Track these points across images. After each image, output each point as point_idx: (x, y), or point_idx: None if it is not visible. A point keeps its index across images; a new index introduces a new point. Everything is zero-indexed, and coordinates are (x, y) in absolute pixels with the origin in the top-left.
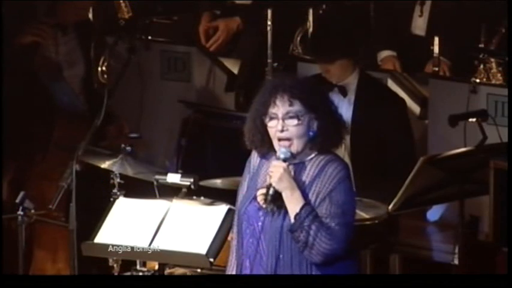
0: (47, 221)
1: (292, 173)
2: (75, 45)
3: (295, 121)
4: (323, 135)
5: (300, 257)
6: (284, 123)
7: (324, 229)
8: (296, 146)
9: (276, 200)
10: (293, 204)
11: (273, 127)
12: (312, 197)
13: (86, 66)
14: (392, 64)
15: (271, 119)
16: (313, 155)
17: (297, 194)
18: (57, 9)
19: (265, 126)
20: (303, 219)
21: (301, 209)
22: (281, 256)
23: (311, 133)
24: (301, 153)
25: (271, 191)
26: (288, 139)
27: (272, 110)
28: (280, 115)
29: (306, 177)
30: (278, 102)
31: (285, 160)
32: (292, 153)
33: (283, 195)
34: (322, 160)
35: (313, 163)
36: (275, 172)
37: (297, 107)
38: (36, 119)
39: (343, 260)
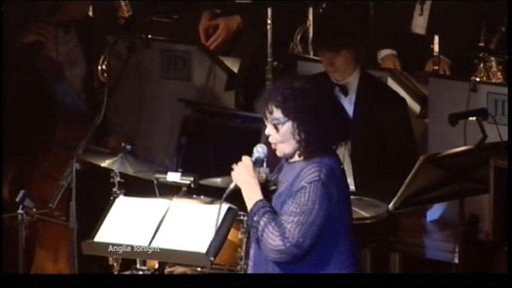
0: (48, 219)
1: (283, 171)
2: (76, 44)
3: (275, 129)
4: (305, 142)
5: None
6: (269, 128)
7: (272, 225)
8: (279, 151)
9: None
10: (248, 200)
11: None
12: (285, 199)
13: (87, 65)
14: (393, 63)
15: (266, 124)
16: (299, 159)
17: (254, 191)
18: (60, 7)
19: None
20: (253, 215)
21: (254, 205)
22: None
23: (295, 139)
24: (289, 157)
25: (231, 185)
26: (273, 144)
27: (264, 113)
28: (268, 121)
29: (287, 179)
30: (266, 109)
31: (255, 161)
32: (266, 156)
33: (242, 191)
34: (304, 164)
35: (296, 166)
36: (237, 167)
37: (276, 115)
38: (38, 118)
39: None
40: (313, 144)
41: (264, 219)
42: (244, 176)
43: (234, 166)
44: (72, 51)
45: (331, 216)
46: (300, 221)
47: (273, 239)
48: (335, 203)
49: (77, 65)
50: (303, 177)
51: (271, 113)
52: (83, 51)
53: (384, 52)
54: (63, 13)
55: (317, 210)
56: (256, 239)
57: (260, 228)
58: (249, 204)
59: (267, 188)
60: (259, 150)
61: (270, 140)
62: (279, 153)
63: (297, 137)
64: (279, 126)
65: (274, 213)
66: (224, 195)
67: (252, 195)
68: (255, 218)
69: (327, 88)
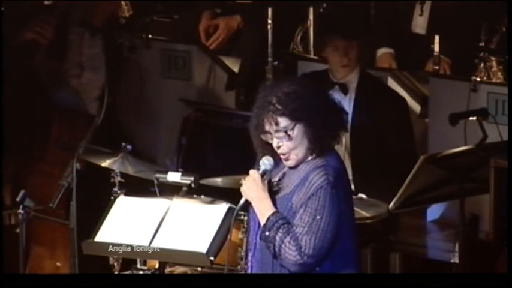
0: (46, 218)
1: (286, 175)
2: (101, 52)
3: (286, 137)
4: (316, 139)
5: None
6: (278, 139)
7: (288, 239)
8: (293, 159)
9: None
10: (260, 214)
11: (271, 143)
12: (292, 203)
13: (107, 74)
14: (388, 61)
15: (267, 136)
16: (309, 158)
17: (265, 205)
18: (89, 9)
19: (264, 142)
20: (268, 230)
21: (267, 219)
22: (264, 254)
23: (307, 139)
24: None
25: (241, 201)
26: (284, 153)
27: (266, 129)
28: (272, 133)
29: (292, 183)
30: (267, 121)
31: (262, 174)
32: (272, 168)
33: (253, 205)
34: (310, 166)
35: (301, 169)
36: (246, 181)
37: (284, 123)
38: (35, 116)
39: (335, 260)
40: (322, 138)
41: (280, 234)
42: (254, 190)
43: (242, 181)
44: (96, 57)
45: (339, 216)
46: (314, 230)
47: (290, 254)
48: (343, 203)
49: (97, 72)
50: (311, 182)
51: (277, 124)
52: (105, 61)
53: (381, 51)
54: (92, 16)
55: (329, 215)
56: (273, 254)
57: (277, 243)
58: (262, 219)
59: (270, 189)
60: (266, 163)
61: (281, 151)
62: (292, 162)
63: (309, 136)
64: (290, 132)
65: (288, 224)
66: (235, 212)
67: (264, 210)
68: (270, 234)
69: (311, 82)
